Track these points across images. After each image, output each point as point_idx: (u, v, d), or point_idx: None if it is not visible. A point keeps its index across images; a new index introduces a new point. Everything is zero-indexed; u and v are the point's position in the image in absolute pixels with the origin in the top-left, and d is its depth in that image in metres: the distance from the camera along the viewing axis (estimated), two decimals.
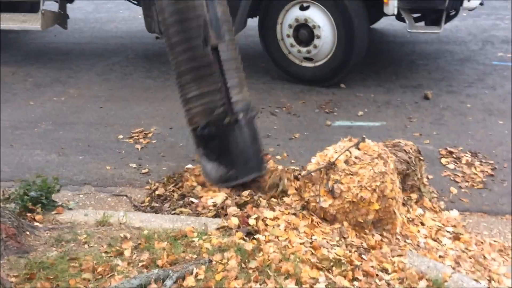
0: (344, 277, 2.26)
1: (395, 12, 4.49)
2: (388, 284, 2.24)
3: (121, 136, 4.38)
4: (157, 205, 3.32)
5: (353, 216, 2.64)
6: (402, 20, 5.53)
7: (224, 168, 3.14)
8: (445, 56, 5.60)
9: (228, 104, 3.05)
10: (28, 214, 2.93)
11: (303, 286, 2.20)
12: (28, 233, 2.64)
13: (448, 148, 3.70)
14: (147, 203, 3.37)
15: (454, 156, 3.60)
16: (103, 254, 2.47)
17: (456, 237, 2.77)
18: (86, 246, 2.57)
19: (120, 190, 3.58)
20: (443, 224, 2.90)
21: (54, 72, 6.14)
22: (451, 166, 3.50)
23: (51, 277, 2.26)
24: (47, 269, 2.31)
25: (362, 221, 2.63)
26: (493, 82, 4.80)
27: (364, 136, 2.82)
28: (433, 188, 3.22)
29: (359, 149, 2.76)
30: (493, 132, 3.90)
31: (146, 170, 3.80)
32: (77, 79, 5.89)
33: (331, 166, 2.72)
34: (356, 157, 2.70)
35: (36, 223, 2.83)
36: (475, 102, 4.44)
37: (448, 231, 2.83)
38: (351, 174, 2.65)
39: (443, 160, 3.57)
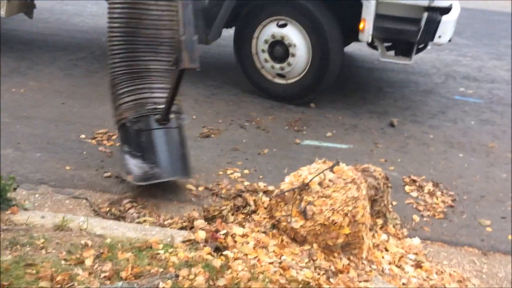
0: None
1: (369, 40, 4.61)
2: None
3: (83, 136, 4.20)
4: (118, 212, 3.20)
5: (323, 238, 2.64)
6: (373, 47, 5.71)
7: (148, 165, 3.18)
8: (410, 86, 5.80)
9: (169, 104, 3.13)
10: None
11: None
12: None
13: (412, 177, 3.80)
14: (107, 209, 3.24)
15: (417, 184, 3.70)
16: (62, 262, 2.33)
17: (418, 265, 2.83)
18: (43, 251, 2.42)
19: (79, 193, 3.42)
20: (406, 251, 2.96)
21: (14, 61, 5.83)
22: (414, 194, 3.59)
23: (5, 283, 2.10)
24: (1, 274, 2.14)
25: (331, 244, 2.64)
26: (455, 116, 5.01)
27: (339, 159, 2.84)
28: (397, 214, 3.28)
29: (333, 172, 2.77)
30: (453, 164, 4.06)
31: (108, 174, 3.65)
32: (38, 71, 5.62)
33: (304, 187, 2.71)
34: (330, 180, 2.71)
35: None
36: (437, 134, 4.60)
37: (410, 259, 2.88)
38: (325, 197, 2.65)
39: (407, 188, 3.66)
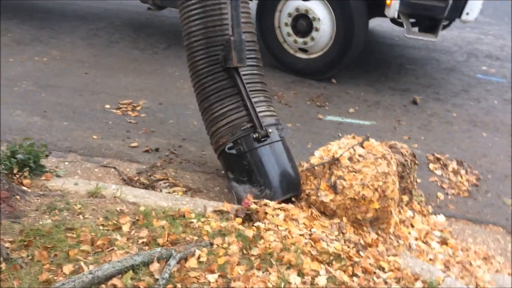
0: (344, 272, 2.29)
1: (395, 16, 4.54)
2: (386, 283, 2.29)
3: (108, 106, 4.23)
4: (147, 182, 3.25)
5: (353, 212, 2.67)
6: (396, 23, 5.63)
7: (257, 188, 2.88)
8: (432, 64, 5.74)
9: (256, 118, 2.88)
10: (15, 178, 2.79)
11: (305, 277, 2.21)
12: (18, 197, 2.52)
13: (436, 154, 3.80)
14: (136, 178, 3.29)
15: (441, 162, 3.71)
16: (100, 227, 2.39)
17: (443, 242, 2.87)
18: (81, 217, 2.48)
19: (108, 162, 3.48)
20: (431, 228, 2.99)
21: (35, 30, 5.84)
22: (438, 172, 3.61)
23: (49, 246, 2.16)
24: (44, 238, 2.21)
25: (360, 218, 2.67)
26: (477, 95, 4.97)
27: (368, 135, 2.85)
28: (421, 192, 3.31)
29: (363, 147, 2.79)
30: (477, 143, 4.05)
31: (135, 144, 3.70)
32: (59, 40, 5.62)
33: (334, 161, 2.74)
34: (360, 155, 2.73)
35: (24, 188, 2.70)
36: (460, 112, 4.58)
37: (436, 235, 2.92)
38: (355, 172, 2.68)
39: (431, 166, 3.67)
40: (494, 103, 4.83)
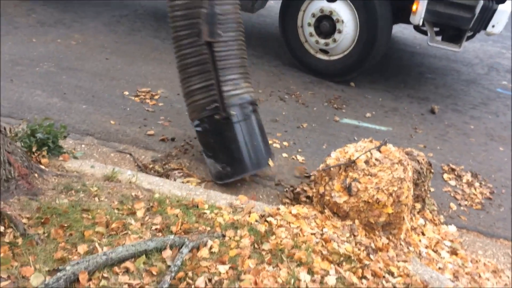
0: (354, 273, 2.30)
1: (420, 23, 4.52)
2: (394, 287, 2.29)
3: (126, 93, 4.27)
4: (161, 170, 3.28)
5: (365, 216, 2.67)
6: (419, 31, 5.60)
7: (220, 165, 3.09)
8: (452, 74, 5.70)
9: (220, 100, 2.98)
10: (33, 156, 2.83)
11: (315, 276, 2.22)
12: (36, 175, 2.55)
13: (451, 165, 3.79)
14: (151, 165, 3.32)
15: (456, 173, 3.69)
16: (115, 211, 2.42)
17: (453, 252, 2.86)
18: (96, 199, 2.51)
19: (124, 147, 3.51)
20: (442, 237, 2.98)
21: (59, 12, 5.90)
22: (452, 182, 3.59)
23: (65, 225, 2.20)
24: (60, 217, 2.24)
25: (373, 222, 2.67)
26: (496, 109, 4.93)
27: (386, 140, 2.84)
28: (434, 201, 3.30)
29: (380, 151, 2.78)
30: (493, 157, 4.02)
31: (151, 132, 3.73)
32: (82, 24, 5.67)
33: (351, 163, 2.74)
34: (376, 159, 2.73)
35: (42, 167, 2.73)
36: (478, 125, 4.55)
37: (446, 245, 2.91)
38: (370, 175, 2.68)
39: (445, 176, 3.65)
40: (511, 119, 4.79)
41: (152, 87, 4.41)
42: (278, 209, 2.70)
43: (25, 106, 3.78)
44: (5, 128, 2.45)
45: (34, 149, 2.89)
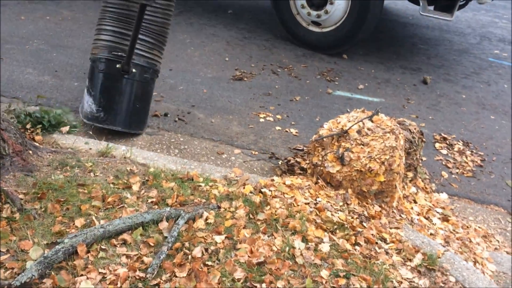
0: (347, 240, 2.35)
1: None
2: (387, 253, 2.35)
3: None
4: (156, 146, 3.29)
5: (358, 184, 2.71)
6: (412, 1, 5.56)
7: (96, 106, 3.17)
8: (445, 45, 5.69)
9: (129, 54, 3.05)
10: (27, 133, 2.84)
11: (309, 243, 2.27)
12: (31, 152, 2.56)
13: (442, 134, 3.82)
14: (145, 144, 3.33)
15: (447, 142, 3.73)
16: (111, 185, 2.44)
17: (444, 219, 2.92)
18: (92, 174, 2.53)
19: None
20: (433, 205, 3.04)
21: None
22: (444, 151, 3.63)
23: (61, 200, 2.22)
24: (56, 192, 2.26)
25: (365, 190, 2.72)
26: (488, 78, 4.95)
27: (378, 109, 2.86)
28: (426, 169, 3.35)
29: (372, 121, 2.81)
30: (484, 125, 4.06)
31: None
32: (71, 0, 5.58)
33: (343, 134, 2.76)
34: (368, 129, 2.75)
35: (36, 144, 2.74)
36: (470, 94, 4.57)
37: (437, 212, 2.97)
38: (362, 144, 2.71)
39: (437, 145, 3.69)
40: (504, 87, 4.82)
41: None
42: (273, 180, 2.74)
43: (17, 85, 3.76)
44: None
45: (28, 126, 2.90)
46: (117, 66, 3.11)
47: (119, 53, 3.12)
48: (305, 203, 2.57)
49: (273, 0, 5.11)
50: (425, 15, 4.64)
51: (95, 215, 2.18)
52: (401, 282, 2.15)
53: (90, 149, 2.88)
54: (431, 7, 4.79)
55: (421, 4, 4.62)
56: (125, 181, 2.50)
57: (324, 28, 4.93)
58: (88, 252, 2.00)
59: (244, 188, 2.62)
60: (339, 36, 4.88)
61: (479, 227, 2.92)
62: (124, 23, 3.12)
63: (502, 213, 3.11)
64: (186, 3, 5.93)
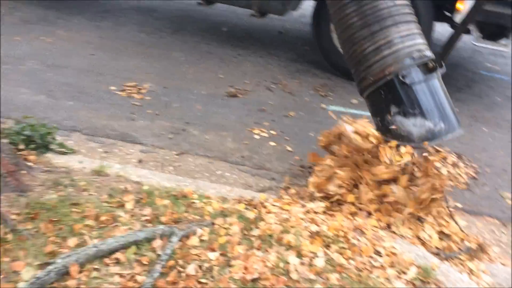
0: (341, 254, 2.35)
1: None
2: (381, 266, 2.35)
3: (113, 88, 4.27)
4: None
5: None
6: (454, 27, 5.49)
7: (431, 122, 2.70)
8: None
9: (430, 47, 2.71)
10: (21, 154, 2.84)
11: (303, 258, 2.27)
12: (24, 172, 2.56)
13: (436, 147, 3.84)
14: (140, 159, 3.34)
15: (441, 155, 3.75)
16: (105, 204, 2.44)
17: (439, 230, 2.91)
18: (85, 193, 2.52)
19: (111, 143, 3.51)
20: None
21: (42, 10, 5.86)
22: (438, 164, 3.64)
23: (54, 219, 2.21)
24: (49, 211, 2.26)
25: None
26: (480, 91, 5.00)
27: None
28: None
29: None
30: (477, 138, 4.09)
31: (139, 126, 3.73)
32: (66, 21, 5.64)
33: None
34: None
35: (30, 163, 2.74)
36: (462, 107, 4.61)
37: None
38: None
39: (431, 158, 3.70)
40: (496, 100, 4.87)
41: (139, 81, 4.41)
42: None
43: (11, 105, 3.76)
44: None
45: (21, 147, 2.90)
46: (430, 65, 2.70)
47: (418, 54, 2.71)
48: (301, 218, 2.57)
49: (315, 32, 5.03)
50: (481, 45, 4.46)
51: (88, 234, 2.18)
52: None
53: (84, 168, 2.87)
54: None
55: (474, 34, 4.39)
56: (119, 200, 2.50)
57: None
58: (80, 272, 1.98)
59: (238, 204, 2.62)
60: None
61: (474, 238, 2.92)
62: (403, 23, 2.71)
63: (497, 225, 3.12)
64: (182, 22, 6.00)
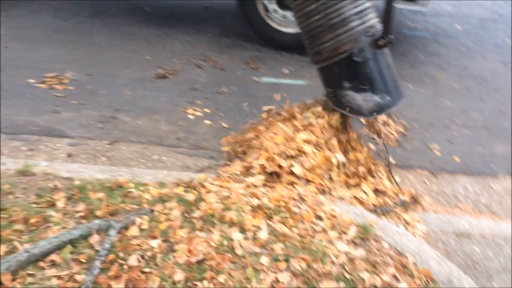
0: (284, 224, 2.38)
1: None
2: (323, 230, 2.41)
3: (32, 80, 4.00)
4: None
5: None
6: None
7: (379, 95, 2.82)
8: None
9: (387, 23, 2.70)
10: None
11: (247, 233, 2.28)
12: None
13: None
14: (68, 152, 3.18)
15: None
16: (33, 205, 2.30)
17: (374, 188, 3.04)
18: (11, 196, 2.37)
19: (36, 139, 3.31)
20: None
21: None
22: (369, 124, 3.77)
23: None
24: None
25: None
26: (404, 49, 5.18)
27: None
28: None
29: None
30: (404, 94, 4.24)
31: (64, 119, 3.54)
32: None
33: None
34: None
35: None
36: None
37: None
38: None
39: (362, 119, 3.82)
40: (419, 57, 5.07)
41: (60, 71, 4.16)
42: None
43: None
44: None
45: None
46: (380, 42, 2.71)
47: (374, 30, 2.71)
48: (241, 194, 2.56)
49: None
50: (399, 6, 4.50)
51: (18, 239, 2.05)
52: (339, 256, 2.21)
53: (8, 169, 2.69)
54: None
55: None
56: (49, 199, 2.37)
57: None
58: (14, 279, 1.87)
59: (177, 187, 2.57)
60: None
61: (407, 190, 3.06)
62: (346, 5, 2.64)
63: (427, 175, 3.29)
64: (100, 4, 5.69)
